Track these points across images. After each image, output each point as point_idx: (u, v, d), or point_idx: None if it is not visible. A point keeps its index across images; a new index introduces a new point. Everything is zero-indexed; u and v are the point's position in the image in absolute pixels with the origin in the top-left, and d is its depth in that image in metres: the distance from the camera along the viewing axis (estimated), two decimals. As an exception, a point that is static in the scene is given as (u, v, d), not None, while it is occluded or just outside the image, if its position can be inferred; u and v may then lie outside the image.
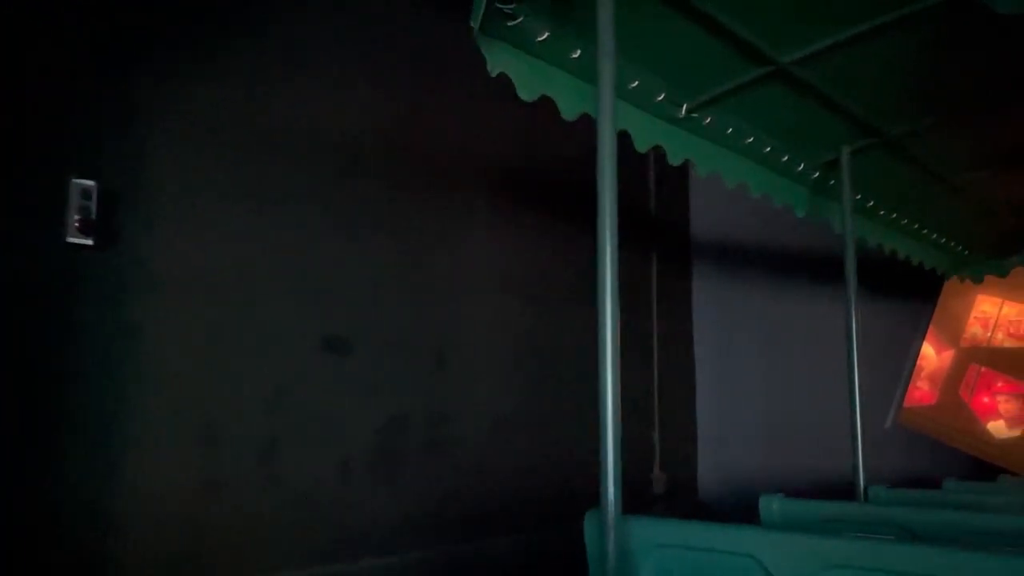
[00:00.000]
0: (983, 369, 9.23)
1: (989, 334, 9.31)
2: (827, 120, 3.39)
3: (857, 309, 3.60)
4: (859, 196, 4.05)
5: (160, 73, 3.75)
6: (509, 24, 2.50)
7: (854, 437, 3.52)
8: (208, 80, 3.94)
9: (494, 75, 2.59)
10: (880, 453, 7.18)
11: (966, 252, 5.37)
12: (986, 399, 9.18)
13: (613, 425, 2.07)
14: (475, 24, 2.39)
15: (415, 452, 4.68)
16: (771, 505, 2.99)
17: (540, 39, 2.60)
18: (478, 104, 5.13)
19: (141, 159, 3.67)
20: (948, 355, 9.43)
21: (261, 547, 3.90)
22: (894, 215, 4.48)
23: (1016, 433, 9.01)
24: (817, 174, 3.88)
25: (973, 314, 9.41)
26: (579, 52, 2.69)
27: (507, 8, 2.44)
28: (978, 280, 5.67)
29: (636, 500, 5.69)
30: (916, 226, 4.71)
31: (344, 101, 4.53)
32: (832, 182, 3.90)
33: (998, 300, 9.25)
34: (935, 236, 4.96)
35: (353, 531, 4.30)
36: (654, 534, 2.14)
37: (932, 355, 9.46)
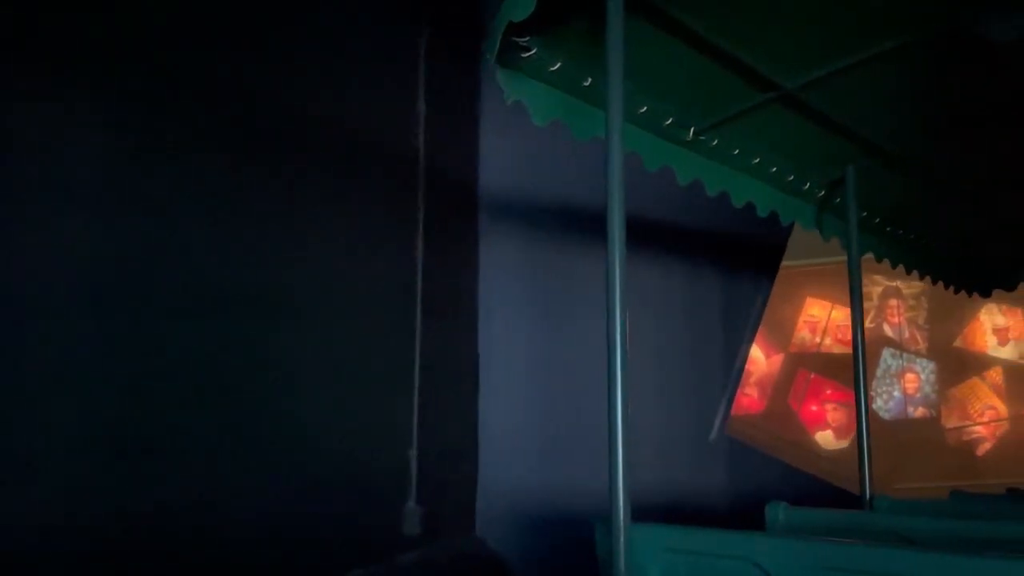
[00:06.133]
0: (812, 376, 8.99)
1: (818, 339, 9.09)
2: (832, 140, 3.51)
3: (861, 325, 3.70)
4: (865, 213, 4.14)
5: None
6: (523, 55, 2.67)
7: (860, 446, 3.60)
8: None
9: (509, 102, 2.74)
10: (706, 468, 6.33)
11: (974, 266, 5.40)
12: (815, 408, 8.95)
13: (623, 435, 2.19)
14: (491, 56, 2.54)
15: None
16: (776, 513, 3.08)
17: (553, 68, 2.76)
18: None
19: None
20: (777, 360, 9.17)
21: None
22: (900, 231, 4.55)
23: (844, 444, 8.78)
24: (823, 192, 3.99)
25: (802, 318, 9.19)
26: (590, 80, 2.85)
27: (522, 41, 2.62)
28: (986, 294, 5.67)
29: (366, 549, 4.42)
30: (923, 241, 4.76)
31: None
32: (838, 200, 3.99)
33: (827, 304, 9.07)
34: (942, 251, 5.01)
35: None
36: (662, 540, 2.24)
37: (761, 360, 9.17)
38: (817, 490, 7.17)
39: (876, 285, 9.23)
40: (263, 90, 4.23)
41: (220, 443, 3.82)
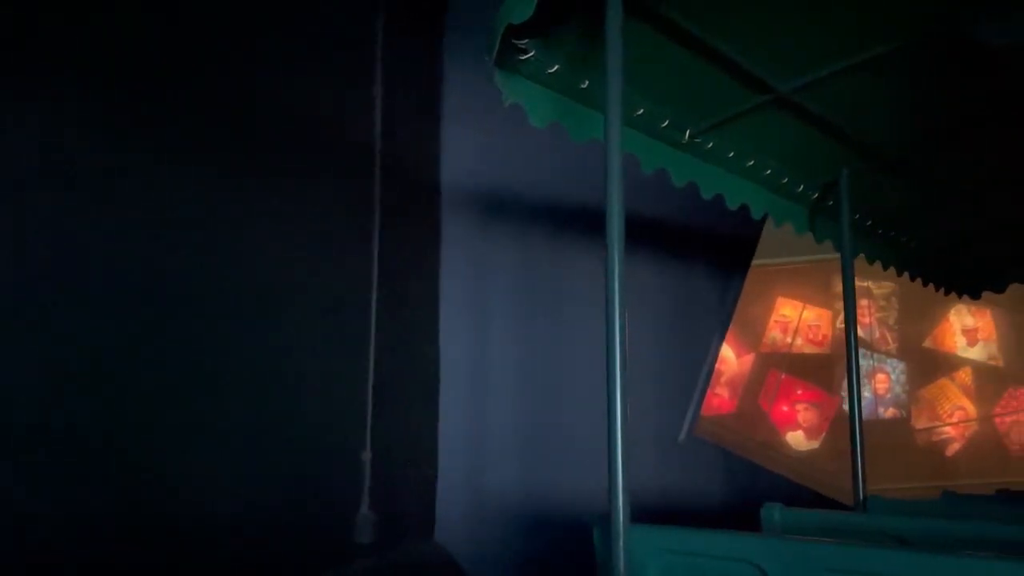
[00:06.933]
0: (783, 376, 9.06)
1: (789, 340, 9.17)
2: (826, 143, 3.54)
3: (854, 326, 3.73)
4: (858, 216, 4.17)
5: None
6: (522, 58, 2.67)
7: (854, 447, 3.64)
8: None
9: (507, 105, 2.74)
10: (675, 470, 6.04)
11: (964, 268, 5.49)
12: (785, 408, 9.01)
13: (622, 436, 2.20)
14: (490, 59, 2.54)
15: None
16: (772, 514, 3.11)
17: (551, 71, 2.77)
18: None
19: None
20: (748, 360, 9.19)
21: None
22: (893, 233, 4.59)
23: (814, 445, 8.85)
24: (817, 194, 4.01)
25: (773, 318, 9.26)
26: (587, 82, 2.86)
27: (520, 43, 2.61)
28: (976, 296, 5.74)
29: (316, 558, 4.11)
30: (915, 244, 4.82)
31: None
32: (831, 202, 4.02)
33: (799, 304, 9.13)
34: (933, 253, 5.07)
35: None
36: (661, 541, 2.25)
37: (732, 359, 9.19)
38: (789, 492, 7.12)
39: (847, 285, 9.24)
40: (202, 71, 3.93)
41: (159, 445, 3.53)
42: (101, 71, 3.49)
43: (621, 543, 2.13)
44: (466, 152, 5.46)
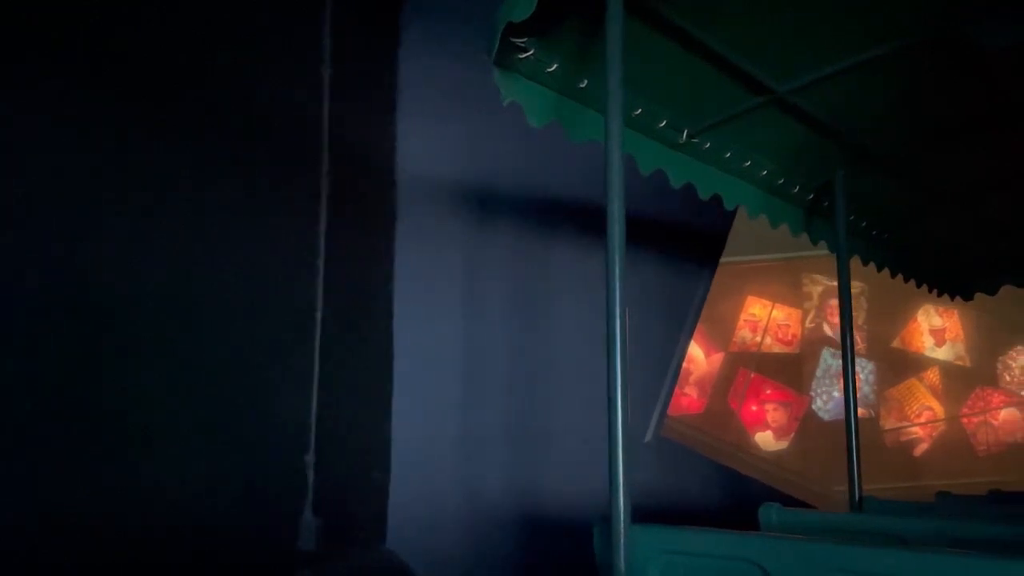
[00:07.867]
0: (752, 375, 9.08)
1: (759, 338, 9.20)
2: (822, 144, 3.55)
3: (850, 326, 3.76)
4: (852, 217, 4.18)
5: None
6: (521, 56, 2.65)
7: (849, 449, 3.67)
8: None
9: (506, 103, 2.72)
10: (641, 472, 6.05)
11: (957, 270, 5.54)
12: (754, 408, 9.04)
13: (623, 436, 2.19)
14: (490, 57, 2.52)
15: None
16: (770, 514, 3.12)
17: (549, 70, 2.74)
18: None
19: None
20: (717, 359, 9.20)
21: None
22: (886, 235, 4.60)
23: (783, 445, 8.87)
24: (812, 196, 4.02)
25: (743, 316, 9.29)
26: (586, 82, 2.84)
27: (519, 42, 2.59)
28: (968, 298, 5.79)
29: (255, 567, 3.89)
30: (908, 245, 4.85)
31: None
32: (826, 203, 4.03)
33: (768, 303, 9.16)
34: (927, 255, 5.11)
35: None
36: (661, 541, 2.24)
37: (701, 359, 9.18)
38: (759, 494, 7.00)
39: (817, 285, 9.31)
40: (135, 48, 3.63)
41: (87, 448, 3.31)
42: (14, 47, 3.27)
43: (622, 543, 2.13)
44: (423, 137, 5.24)
